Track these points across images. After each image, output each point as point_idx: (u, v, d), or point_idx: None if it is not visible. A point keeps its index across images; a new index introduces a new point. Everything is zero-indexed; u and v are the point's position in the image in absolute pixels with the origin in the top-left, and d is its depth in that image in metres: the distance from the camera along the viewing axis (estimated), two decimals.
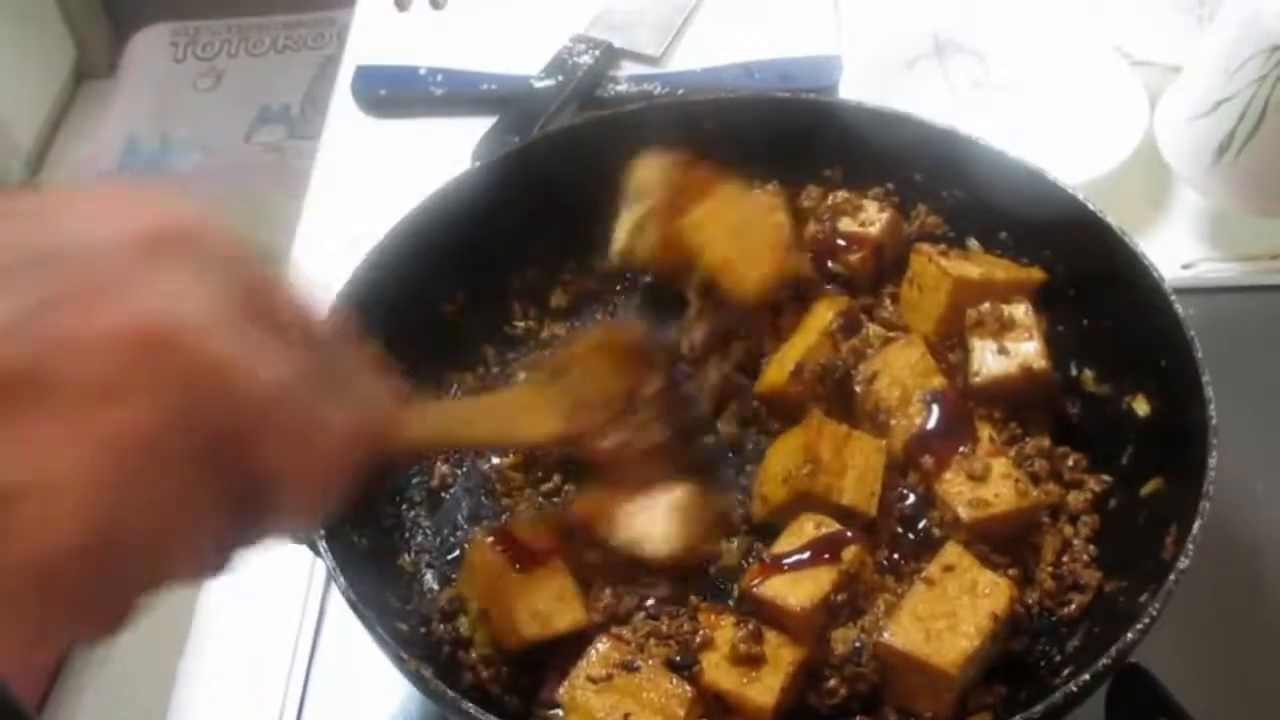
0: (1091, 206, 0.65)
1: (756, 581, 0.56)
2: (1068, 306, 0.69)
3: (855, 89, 0.88)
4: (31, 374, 0.28)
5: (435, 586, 0.64)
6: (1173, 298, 0.61)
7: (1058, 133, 0.85)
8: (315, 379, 0.34)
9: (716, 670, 0.55)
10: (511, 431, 0.56)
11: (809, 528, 0.58)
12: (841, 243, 0.71)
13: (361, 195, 0.89)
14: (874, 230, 0.71)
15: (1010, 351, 0.65)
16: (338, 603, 0.68)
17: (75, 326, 0.29)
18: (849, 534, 0.58)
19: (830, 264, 0.72)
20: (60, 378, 0.29)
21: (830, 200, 0.73)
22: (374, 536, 0.63)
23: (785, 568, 0.56)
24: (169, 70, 2.46)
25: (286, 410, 0.33)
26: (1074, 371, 0.68)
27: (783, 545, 0.58)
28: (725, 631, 0.56)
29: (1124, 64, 0.88)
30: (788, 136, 0.74)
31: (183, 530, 0.32)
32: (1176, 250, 0.82)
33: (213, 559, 0.34)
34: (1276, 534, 0.69)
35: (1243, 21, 0.74)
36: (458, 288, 0.71)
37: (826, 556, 0.57)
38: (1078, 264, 0.68)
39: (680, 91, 0.94)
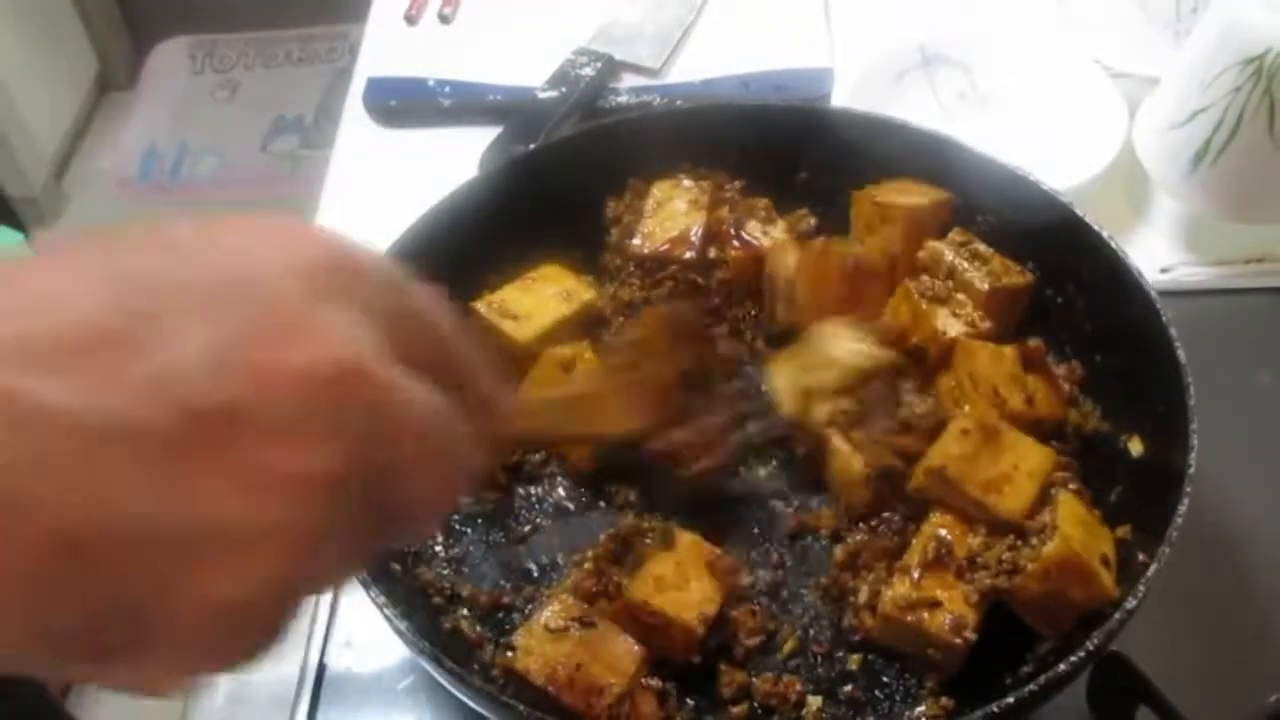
0: (1114, 245, 0.66)
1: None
2: (1086, 342, 0.70)
3: (847, 99, 0.90)
4: (230, 412, 0.27)
5: (438, 535, 0.67)
6: (1177, 344, 0.61)
7: (1040, 141, 0.87)
8: (454, 402, 0.33)
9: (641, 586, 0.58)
10: (599, 426, 0.56)
11: None
12: (735, 243, 0.74)
13: (372, 202, 0.91)
14: (765, 243, 0.74)
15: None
16: (353, 585, 0.72)
17: (267, 364, 0.28)
18: None
19: (712, 251, 0.74)
20: (257, 416, 0.27)
21: (752, 202, 0.76)
22: None
23: None
24: (188, 82, 2.51)
25: (434, 443, 0.32)
26: (1083, 407, 0.69)
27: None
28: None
29: (1104, 75, 0.90)
30: (783, 145, 0.77)
31: (344, 564, 0.32)
32: (1155, 255, 0.84)
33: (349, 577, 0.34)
34: (1253, 527, 0.71)
35: (1219, 34, 0.76)
36: (465, 291, 0.73)
37: None
38: (1099, 303, 0.69)
39: (678, 102, 0.96)
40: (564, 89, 0.97)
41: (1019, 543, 0.59)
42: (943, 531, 0.60)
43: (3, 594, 0.26)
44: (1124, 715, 0.59)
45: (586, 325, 0.73)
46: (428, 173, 0.81)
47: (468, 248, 0.70)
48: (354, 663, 0.69)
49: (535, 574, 0.66)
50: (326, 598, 0.71)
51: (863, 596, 0.61)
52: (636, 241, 0.74)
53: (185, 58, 2.54)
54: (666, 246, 0.74)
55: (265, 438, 0.27)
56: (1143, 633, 0.55)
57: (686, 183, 0.75)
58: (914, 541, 0.61)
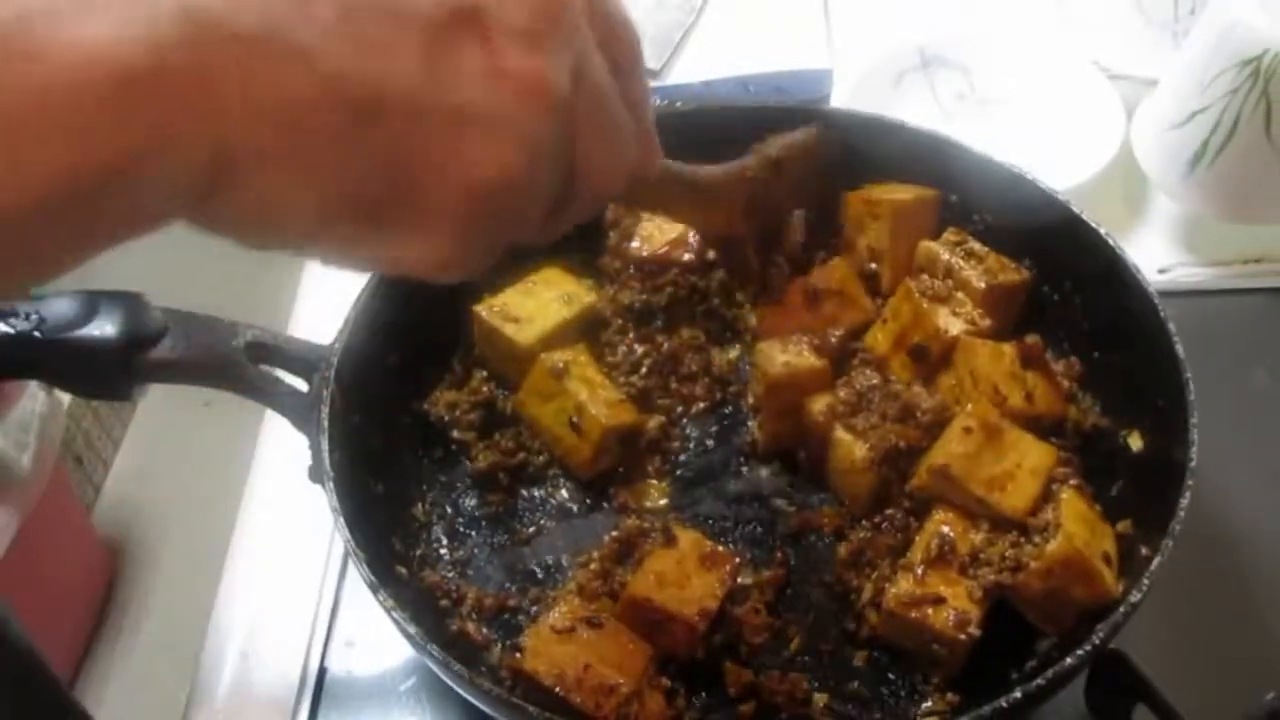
0: (1112, 242, 0.67)
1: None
2: (1084, 338, 0.70)
3: (846, 100, 0.91)
4: (476, 11, 0.32)
5: (443, 539, 0.67)
6: (1176, 340, 0.61)
7: (1039, 143, 0.88)
8: (622, 94, 0.38)
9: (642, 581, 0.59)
10: (699, 219, 0.61)
11: None
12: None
13: None
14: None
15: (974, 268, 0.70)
16: (353, 585, 0.72)
17: None
18: None
19: (710, 253, 0.74)
20: (500, 17, 0.32)
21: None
22: (391, 483, 0.67)
23: None
24: None
25: (610, 114, 0.37)
26: (1082, 403, 0.69)
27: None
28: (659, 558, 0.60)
29: (1102, 77, 0.90)
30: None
31: (549, 191, 0.36)
32: (1153, 255, 0.85)
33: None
34: (1252, 527, 0.72)
35: (1217, 36, 0.76)
36: (465, 294, 0.72)
37: None
38: (1097, 300, 0.69)
39: (678, 104, 0.97)
40: None
41: (1022, 539, 0.59)
42: (945, 528, 0.60)
43: (301, 144, 0.29)
44: (1122, 714, 0.59)
45: (587, 328, 0.73)
46: None
47: None
48: (355, 664, 0.69)
49: (540, 575, 0.66)
50: (327, 598, 0.71)
51: (867, 594, 0.61)
52: (635, 244, 0.75)
53: None
54: (665, 249, 0.74)
55: (509, 36, 0.32)
56: (1142, 631, 0.55)
57: None
58: (917, 539, 0.61)
